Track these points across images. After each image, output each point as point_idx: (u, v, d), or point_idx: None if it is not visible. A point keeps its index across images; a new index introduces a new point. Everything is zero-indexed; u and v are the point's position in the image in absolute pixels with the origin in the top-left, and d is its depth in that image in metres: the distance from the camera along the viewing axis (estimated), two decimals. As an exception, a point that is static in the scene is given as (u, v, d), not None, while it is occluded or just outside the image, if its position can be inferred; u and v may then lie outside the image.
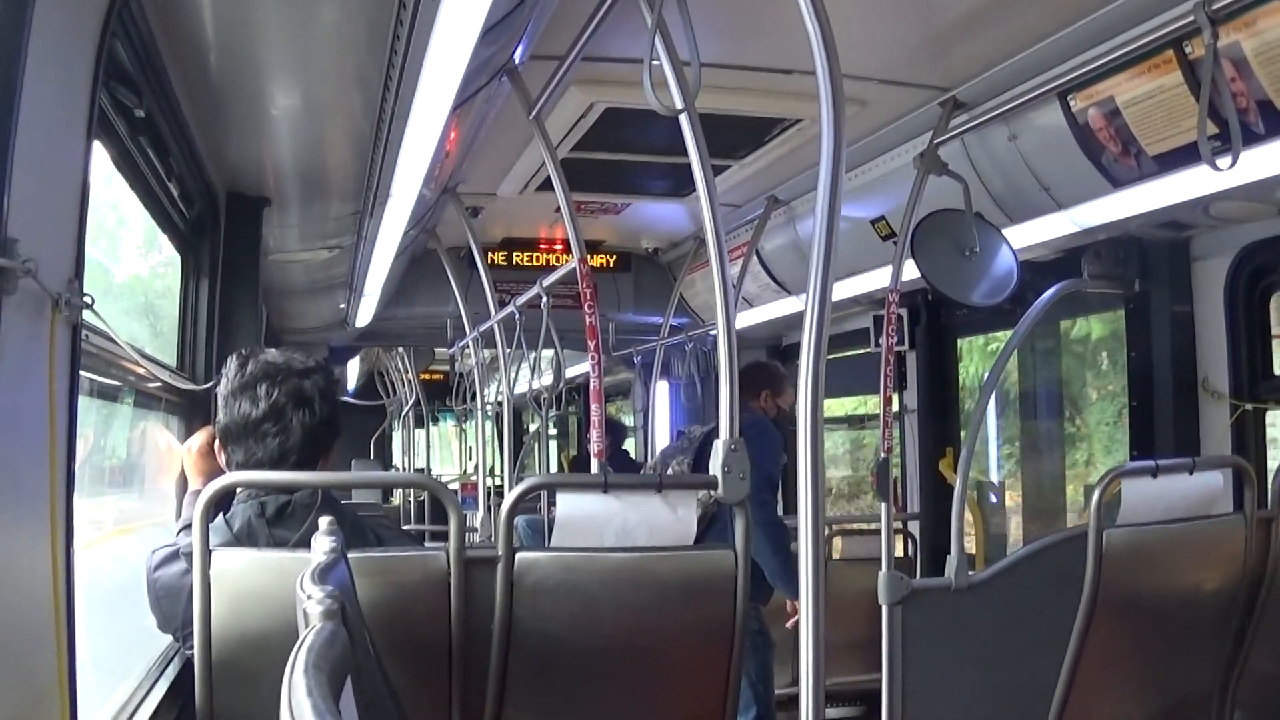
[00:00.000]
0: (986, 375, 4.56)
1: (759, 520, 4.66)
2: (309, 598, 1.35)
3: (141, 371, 2.87)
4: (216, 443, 2.70)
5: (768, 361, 6.30)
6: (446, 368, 13.11)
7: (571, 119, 4.22)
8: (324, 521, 2.04)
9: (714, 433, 2.65)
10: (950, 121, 4.00)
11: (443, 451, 17.18)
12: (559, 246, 7.12)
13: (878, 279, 5.16)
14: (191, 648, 2.38)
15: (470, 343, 6.82)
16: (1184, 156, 3.39)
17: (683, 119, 2.59)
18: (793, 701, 2.27)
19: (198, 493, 2.52)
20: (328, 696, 0.98)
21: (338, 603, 1.31)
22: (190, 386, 3.50)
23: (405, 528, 8.56)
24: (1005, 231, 4.17)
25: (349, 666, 1.22)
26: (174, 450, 3.40)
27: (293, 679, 1.01)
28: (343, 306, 6.81)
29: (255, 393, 2.59)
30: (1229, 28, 2.93)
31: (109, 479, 3.22)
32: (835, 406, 8.26)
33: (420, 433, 13.17)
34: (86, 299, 1.88)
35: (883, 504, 3.93)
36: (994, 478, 8.19)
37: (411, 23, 2.36)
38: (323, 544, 1.91)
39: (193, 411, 3.65)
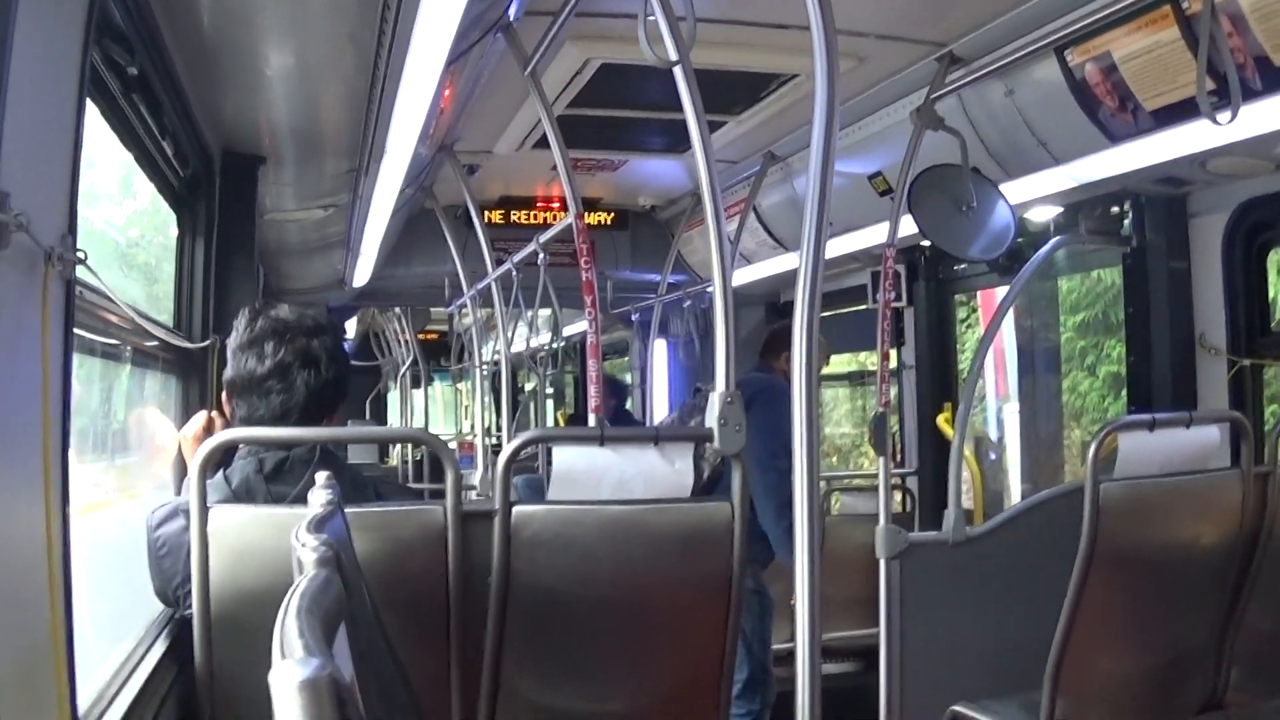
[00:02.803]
0: (984, 330, 4.56)
1: (780, 495, 4.62)
2: (303, 545, 1.36)
3: (136, 329, 2.86)
4: (223, 395, 2.70)
5: None
6: (443, 327, 13.08)
7: (567, 75, 4.20)
8: (321, 475, 2.04)
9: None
10: (947, 77, 3.98)
11: (442, 412, 17.19)
12: (556, 204, 7.08)
13: (875, 235, 5.16)
14: (190, 607, 2.38)
15: (468, 301, 6.81)
16: (1181, 112, 3.37)
17: (678, 73, 2.58)
18: (791, 656, 2.27)
19: None
20: (320, 640, 0.98)
21: (332, 550, 1.31)
22: (186, 345, 3.49)
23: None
24: (1002, 187, 4.16)
25: (343, 613, 1.23)
26: (169, 431, 3.38)
27: (285, 622, 1.01)
28: (340, 266, 6.80)
29: (262, 349, 2.58)
30: (1226, -18, 2.92)
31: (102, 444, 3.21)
32: (835, 363, 8.28)
33: (417, 393, 13.13)
34: (80, 254, 1.87)
35: (880, 459, 3.93)
36: (992, 434, 8.22)
37: (404, -23, 2.35)
38: (319, 497, 1.92)
39: (189, 370, 3.65)
